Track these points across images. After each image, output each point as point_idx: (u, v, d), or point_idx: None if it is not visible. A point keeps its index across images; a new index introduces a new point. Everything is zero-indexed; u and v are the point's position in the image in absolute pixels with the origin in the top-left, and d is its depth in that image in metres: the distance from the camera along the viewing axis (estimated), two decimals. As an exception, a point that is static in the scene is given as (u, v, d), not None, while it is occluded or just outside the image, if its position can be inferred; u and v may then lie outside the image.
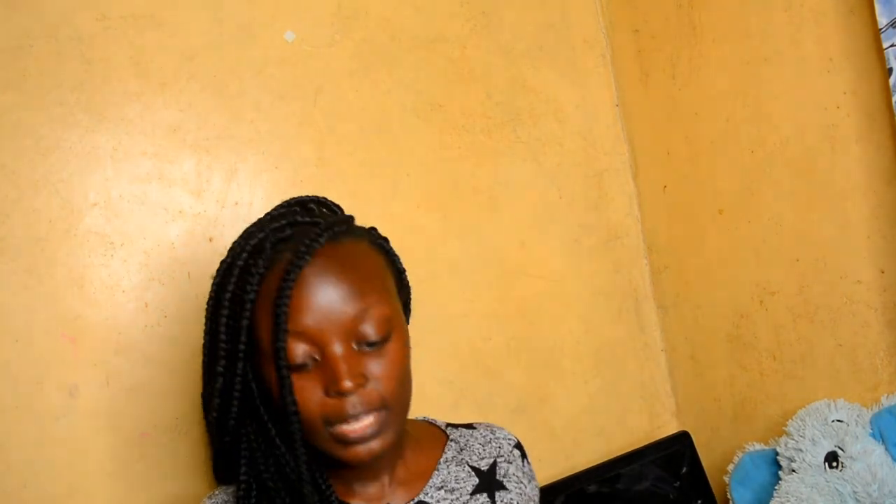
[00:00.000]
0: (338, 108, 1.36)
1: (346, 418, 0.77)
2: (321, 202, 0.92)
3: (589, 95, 1.64)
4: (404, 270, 0.93)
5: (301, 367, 0.78)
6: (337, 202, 0.96)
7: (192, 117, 1.24)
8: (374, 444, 0.79)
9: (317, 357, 0.78)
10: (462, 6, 1.51)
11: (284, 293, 0.76)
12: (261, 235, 0.82)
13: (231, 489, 0.88)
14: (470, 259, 1.46)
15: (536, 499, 0.97)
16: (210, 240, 1.23)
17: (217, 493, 0.89)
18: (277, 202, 1.26)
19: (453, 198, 1.46)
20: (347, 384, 0.76)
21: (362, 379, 0.77)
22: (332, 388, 0.76)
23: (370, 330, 0.78)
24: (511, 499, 0.92)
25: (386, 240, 0.91)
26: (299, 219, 0.85)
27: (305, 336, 0.77)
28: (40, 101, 1.14)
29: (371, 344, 0.79)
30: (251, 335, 0.80)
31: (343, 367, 0.76)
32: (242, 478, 0.83)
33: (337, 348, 0.77)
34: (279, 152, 1.30)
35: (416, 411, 0.98)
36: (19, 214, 1.12)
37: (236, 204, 1.26)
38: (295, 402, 0.77)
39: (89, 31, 1.18)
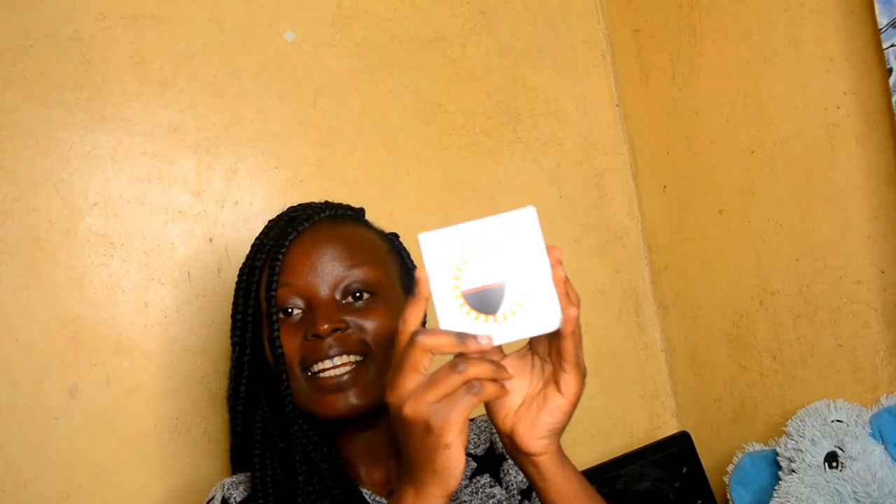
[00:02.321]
0: (338, 108, 1.36)
1: (320, 357, 0.83)
2: (341, 203, 1.00)
3: (589, 95, 1.64)
4: (415, 268, 0.96)
5: (289, 315, 0.86)
6: (337, 202, 1.00)
7: (192, 117, 1.24)
8: (352, 397, 0.83)
9: (302, 307, 0.86)
10: (462, 6, 1.51)
11: (278, 252, 0.86)
12: (276, 219, 0.94)
13: (243, 476, 0.92)
14: (470, 259, 1.46)
15: None
16: (210, 240, 1.23)
17: (232, 479, 0.92)
18: (277, 202, 1.28)
19: (453, 198, 1.46)
20: (323, 326, 0.82)
21: (341, 323, 0.83)
22: (311, 331, 0.83)
23: (355, 284, 0.86)
24: (511, 463, 0.95)
25: (400, 242, 0.99)
26: (313, 205, 0.95)
27: (294, 288, 0.85)
28: (40, 101, 1.14)
29: (356, 297, 0.86)
30: (257, 299, 0.88)
31: (321, 312, 0.83)
32: (257, 446, 0.88)
33: (322, 298, 0.85)
34: (279, 152, 1.30)
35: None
36: (19, 214, 1.12)
37: (236, 204, 1.26)
38: (280, 345, 0.84)
39: (89, 31, 1.18)
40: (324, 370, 0.84)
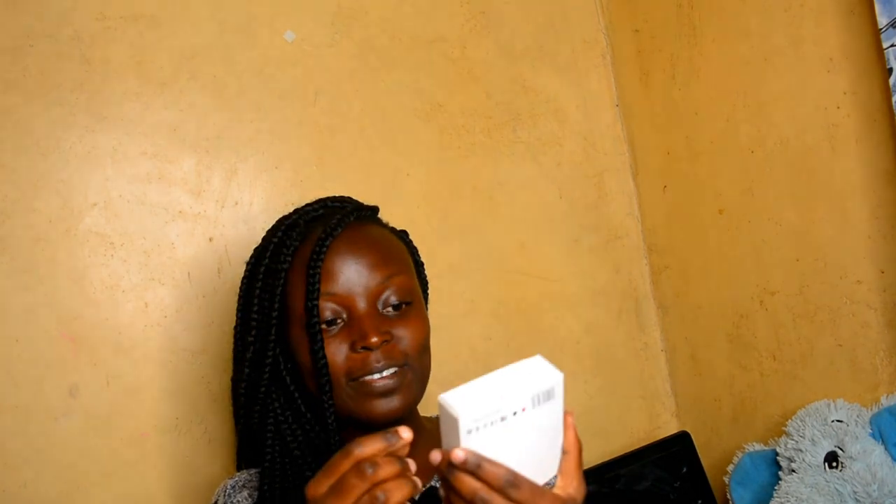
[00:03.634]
0: (338, 108, 1.36)
1: (369, 370, 0.83)
2: (350, 198, 1.00)
3: (589, 95, 1.64)
4: (423, 264, 1.01)
5: (330, 326, 0.84)
6: (353, 200, 1.00)
7: (192, 117, 1.24)
8: (395, 402, 0.84)
9: (344, 317, 0.85)
10: (462, 6, 1.51)
11: (317, 260, 0.84)
12: (295, 216, 0.92)
13: (252, 471, 0.92)
14: (470, 259, 1.46)
15: None
16: (210, 240, 1.23)
17: (239, 474, 0.93)
18: (277, 202, 1.28)
19: (453, 198, 1.46)
20: (374, 339, 0.82)
21: (388, 335, 0.84)
22: (360, 343, 0.82)
23: (393, 295, 0.86)
24: None
25: (410, 240, 1.00)
26: (329, 203, 0.94)
27: (335, 298, 0.84)
28: (40, 101, 1.14)
29: (395, 307, 0.86)
30: (284, 302, 0.87)
31: (369, 324, 0.83)
32: (268, 450, 0.88)
33: (363, 309, 0.84)
34: (279, 152, 1.30)
35: (419, 411, 0.98)
36: (19, 214, 1.12)
37: (236, 204, 1.26)
38: (325, 356, 0.83)
39: (89, 31, 1.18)
40: (372, 380, 0.84)
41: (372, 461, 0.62)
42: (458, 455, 0.61)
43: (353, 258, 0.85)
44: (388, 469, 0.63)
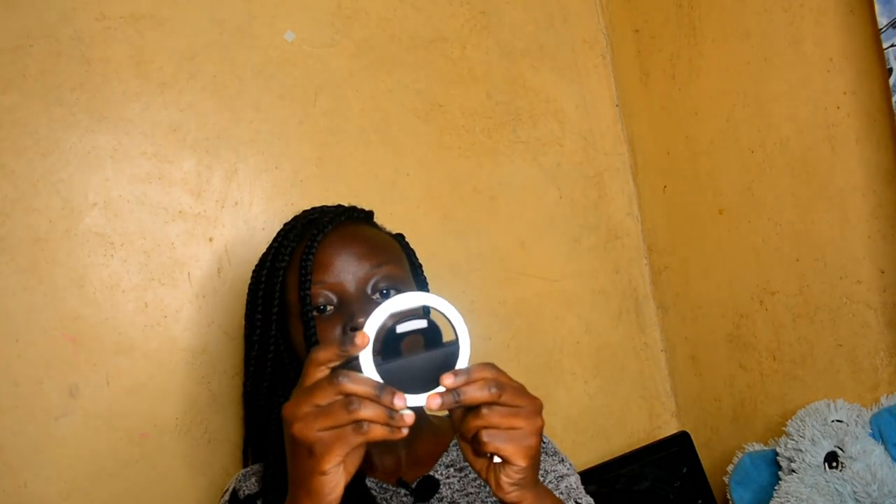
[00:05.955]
0: (338, 108, 1.36)
1: None
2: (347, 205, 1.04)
3: (589, 95, 1.64)
4: (421, 266, 1.03)
5: (323, 312, 0.88)
6: (337, 202, 1.04)
7: (192, 117, 1.24)
8: None
9: (335, 303, 0.88)
10: (462, 6, 1.51)
11: (309, 253, 0.89)
12: (293, 222, 0.97)
13: (257, 466, 0.95)
14: (470, 259, 1.46)
15: (564, 472, 0.96)
16: (210, 240, 1.23)
17: (247, 470, 0.95)
18: (277, 202, 1.28)
19: (453, 198, 1.46)
20: (361, 319, 0.85)
21: None
22: (349, 324, 0.85)
23: (382, 280, 0.89)
24: None
25: (407, 242, 1.04)
26: (325, 208, 0.99)
27: (326, 285, 0.88)
28: (40, 101, 1.14)
29: (383, 293, 0.89)
30: (283, 298, 0.91)
31: (358, 306, 0.86)
32: (271, 444, 0.90)
33: (353, 293, 0.88)
34: (279, 152, 1.30)
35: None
36: (19, 214, 1.12)
37: (236, 204, 1.26)
38: (318, 341, 0.86)
39: (89, 31, 1.18)
40: None
41: (360, 399, 0.63)
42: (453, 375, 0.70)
43: (344, 249, 0.89)
44: (372, 412, 0.63)
